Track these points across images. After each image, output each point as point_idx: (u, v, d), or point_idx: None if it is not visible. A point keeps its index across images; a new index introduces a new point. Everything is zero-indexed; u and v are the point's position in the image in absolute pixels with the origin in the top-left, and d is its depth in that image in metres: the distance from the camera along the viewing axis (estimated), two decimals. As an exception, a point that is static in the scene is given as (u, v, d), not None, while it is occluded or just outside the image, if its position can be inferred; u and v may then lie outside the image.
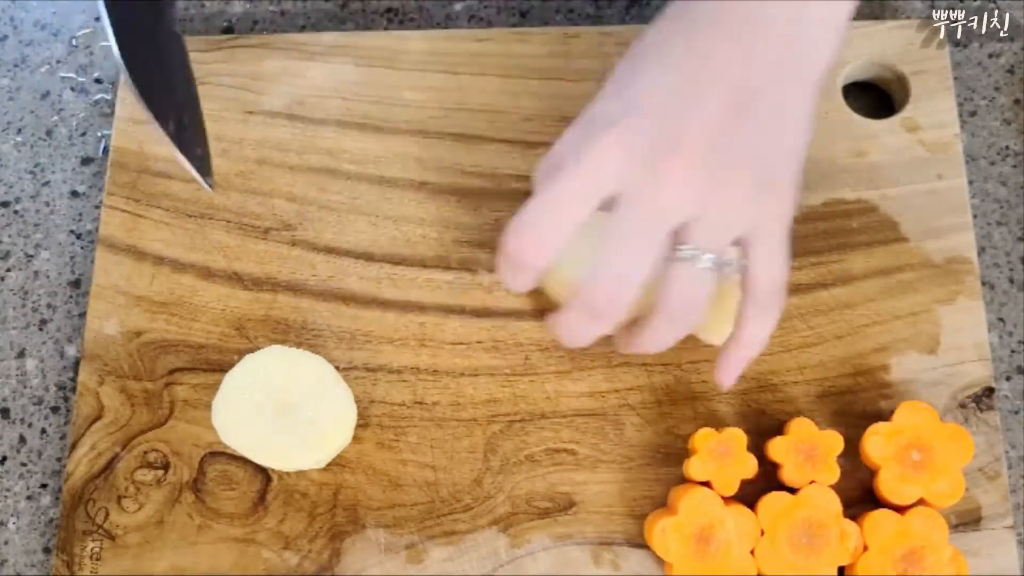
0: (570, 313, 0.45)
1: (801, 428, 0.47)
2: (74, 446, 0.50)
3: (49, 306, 0.55)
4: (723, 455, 0.47)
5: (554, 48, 0.56)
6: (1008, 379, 0.52)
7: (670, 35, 0.43)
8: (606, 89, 0.44)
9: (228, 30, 0.60)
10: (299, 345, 0.51)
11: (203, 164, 0.40)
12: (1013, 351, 0.52)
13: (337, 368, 0.50)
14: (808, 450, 0.47)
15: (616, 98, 0.43)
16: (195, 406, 0.51)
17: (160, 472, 0.50)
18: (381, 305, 0.52)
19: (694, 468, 0.47)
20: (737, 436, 0.47)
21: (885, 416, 0.48)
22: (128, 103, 0.56)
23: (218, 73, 0.56)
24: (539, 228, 0.43)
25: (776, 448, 0.47)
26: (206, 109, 0.56)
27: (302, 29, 0.60)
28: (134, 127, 0.56)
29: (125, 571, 0.48)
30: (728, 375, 0.46)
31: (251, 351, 0.49)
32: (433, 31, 0.58)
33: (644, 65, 0.43)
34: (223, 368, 0.50)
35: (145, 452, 0.50)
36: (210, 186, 0.41)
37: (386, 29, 0.60)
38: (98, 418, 0.51)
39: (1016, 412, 0.51)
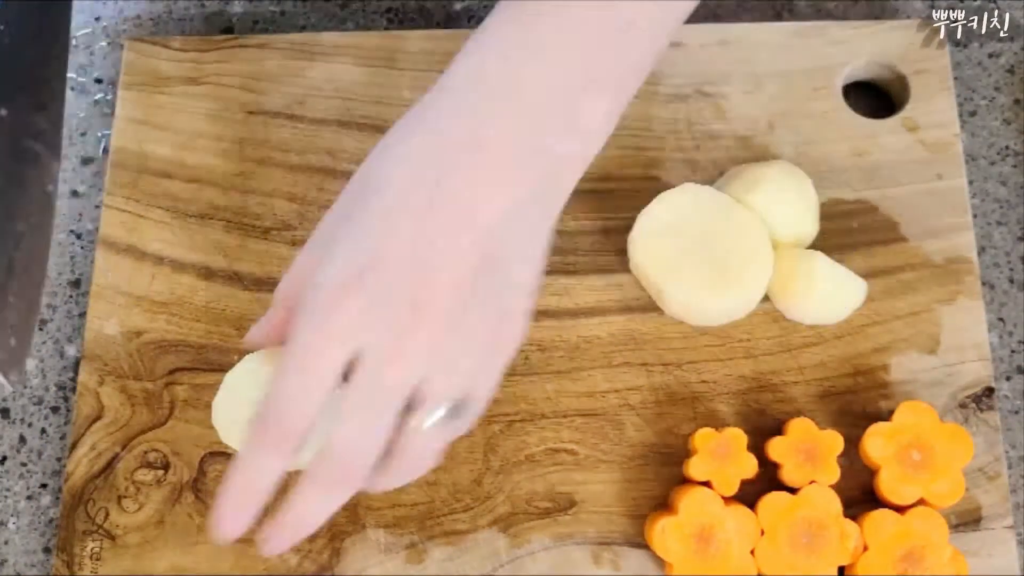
0: (306, 490, 0.39)
1: (801, 428, 0.47)
2: (74, 446, 0.50)
3: (49, 306, 0.55)
4: (723, 455, 0.47)
5: (554, 48, 0.56)
6: (1008, 379, 0.52)
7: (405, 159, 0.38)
8: (348, 202, 0.39)
9: (228, 30, 0.60)
10: (299, 345, 0.51)
11: (13, 358, 0.35)
12: (1013, 351, 0.52)
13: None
14: (808, 450, 0.47)
15: (354, 236, 0.38)
16: (195, 406, 0.51)
17: (160, 472, 0.50)
18: (381, 305, 0.52)
19: (694, 468, 0.47)
20: (737, 436, 0.47)
21: (885, 416, 0.48)
22: (128, 103, 0.56)
23: (218, 73, 0.56)
24: (301, 394, 0.38)
25: (776, 448, 0.47)
26: (206, 109, 0.56)
27: (302, 29, 0.60)
28: (134, 127, 0.56)
29: (125, 571, 0.48)
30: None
31: (251, 351, 0.49)
32: (433, 31, 0.58)
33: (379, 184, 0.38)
34: (223, 368, 0.50)
35: (145, 452, 0.50)
36: (11, 384, 0.37)
37: (386, 29, 0.60)
38: (98, 418, 0.51)
39: (1016, 412, 0.51)
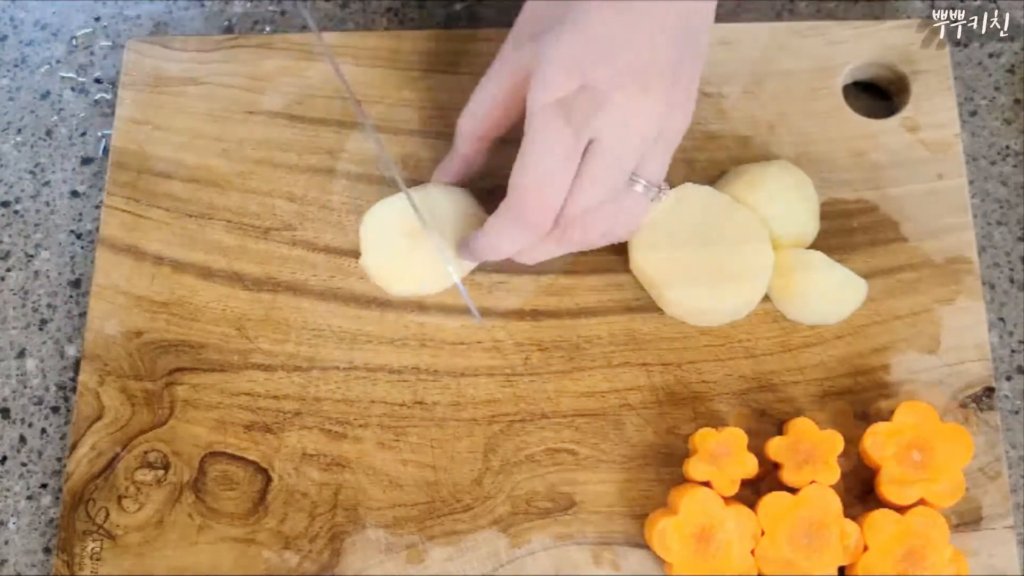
0: (500, 220, 0.46)
1: (801, 428, 0.47)
2: (74, 446, 0.50)
3: (49, 306, 0.55)
4: (723, 455, 0.47)
5: (554, 48, 0.56)
6: (1008, 379, 0.52)
7: None
8: (552, 25, 0.45)
9: (228, 30, 0.60)
10: (299, 346, 0.51)
11: None
12: (1013, 351, 0.52)
13: (337, 368, 0.50)
14: (808, 450, 0.47)
15: (574, 35, 0.44)
16: (195, 406, 0.51)
17: (160, 472, 0.50)
18: (381, 305, 0.52)
19: (694, 468, 0.47)
20: (737, 436, 0.47)
21: (885, 416, 0.48)
22: (128, 103, 0.56)
23: (218, 73, 0.56)
24: (552, 177, 0.45)
25: (776, 448, 0.47)
26: (206, 109, 0.56)
27: (302, 29, 0.60)
28: (134, 127, 0.56)
29: (125, 571, 0.48)
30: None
31: (251, 351, 0.49)
32: (433, 31, 0.58)
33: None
34: (223, 368, 0.50)
35: (145, 452, 0.50)
36: None
37: (386, 29, 0.60)
38: (98, 418, 0.51)
39: (1016, 412, 0.51)
